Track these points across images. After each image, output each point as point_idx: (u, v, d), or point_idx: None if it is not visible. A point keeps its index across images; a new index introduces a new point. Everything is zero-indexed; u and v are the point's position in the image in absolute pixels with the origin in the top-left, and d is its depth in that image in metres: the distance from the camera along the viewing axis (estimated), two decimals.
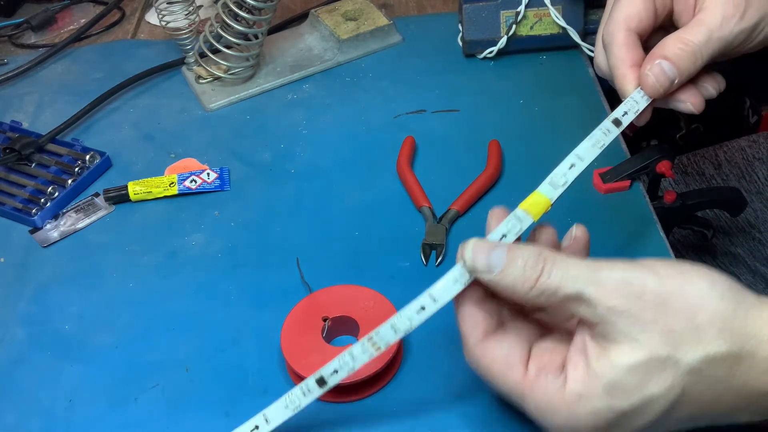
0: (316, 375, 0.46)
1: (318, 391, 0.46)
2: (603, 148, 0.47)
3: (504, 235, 0.44)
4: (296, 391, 0.46)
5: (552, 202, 0.46)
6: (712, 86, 0.49)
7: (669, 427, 0.40)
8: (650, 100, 0.48)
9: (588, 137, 0.47)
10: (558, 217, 0.62)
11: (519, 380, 0.41)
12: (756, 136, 0.94)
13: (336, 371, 0.45)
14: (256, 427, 0.47)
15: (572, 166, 0.46)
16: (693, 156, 0.93)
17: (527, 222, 0.44)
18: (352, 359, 0.46)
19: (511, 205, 0.64)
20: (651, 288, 0.38)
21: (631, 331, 0.38)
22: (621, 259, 0.40)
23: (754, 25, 0.46)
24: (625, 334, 0.38)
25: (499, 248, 0.41)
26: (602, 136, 0.47)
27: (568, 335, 0.43)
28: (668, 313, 0.38)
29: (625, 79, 0.48)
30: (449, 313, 0.56)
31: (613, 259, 0.40)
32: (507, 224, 0.44)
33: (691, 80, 0.48)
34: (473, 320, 0.43)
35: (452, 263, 0.59)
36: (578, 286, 0.39)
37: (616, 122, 0.48)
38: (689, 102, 0.48)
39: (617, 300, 0.38)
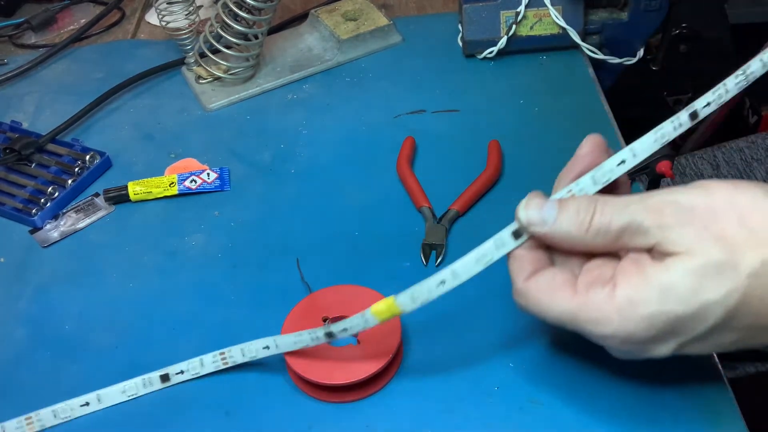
0: (162, 370, 0.47)
1: (158, 385, 0.47)
2: (488, 264, 0.43)
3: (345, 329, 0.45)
4: (137, 380, 0.47)
5: (405, 312, 0.44)
6: None
7: (728, 339, 0.39)
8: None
9: (475, 249, 0.43)
10: None
11: (568, 300, 0.40)
12: (754, 136, 0.94)
13: (182, 371, 0.47)
14: (87, 404, 0.49)
15: (442, 282, 0.43)
16: (691, 157, 0.93)
17: (372, 323, 0.45)
18: (201, 366, 0.47)
19: (511, 205, 0.64)
20: (701, 202, 0.38)
21: (684, 241, 0.38)
22: (674, 186, 0.40)
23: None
24: (678, 244, 0.38)
25: (550, 201, 0.42)
26: (492, 249, 0.43)
27: (617, 256, 0.42)
28: (721, 221, 0.37)
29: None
30: (450, 315, 0.56)
31: (666, 188, 0.40)
32: (351, 320, 0.45)
33: None
34: (520, 261, 0.43)
35: (452, 263, 0.60)
36: (629, 214, 0.39)
37: (516, 234, 0.43)
38: None
39: (668, 218, 0.38)
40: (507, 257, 0.44)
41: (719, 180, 0.40)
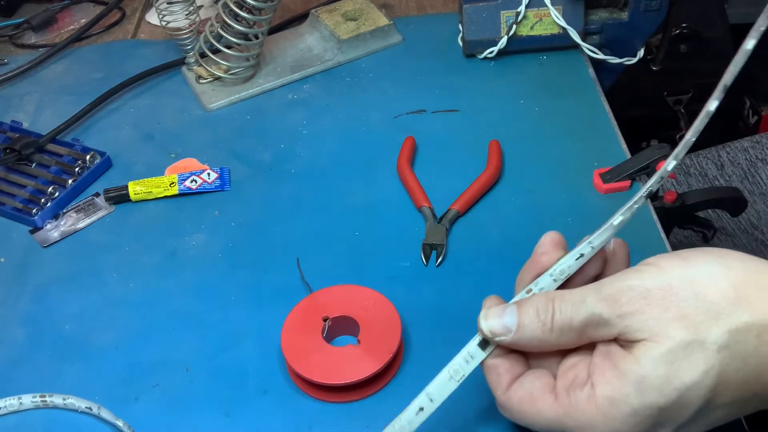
0: None
1: None
2: (462, 380, 0.43)
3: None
4: None
5: None
6: None
7: (720, 415, 0.38)
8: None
9: (446, 367, 0.43)
10: (558, 217, 0.63)
11: (551, 407, 0.40)
12: (759, 136, 0.94)
13: None
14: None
15: (421, 409, 0.43)
16: (695, 156, 0.93)
17: None
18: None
19: (511, 205, 0.64)
20: (654, 284, 0.38)
21: (646, 328, 0.37)
22: (626, 269, 0.40)
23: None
24: (641, 331, 0.38)
25: (509, 308, 0.42)
26: (463, 364, 0.43)
27: (589, 348, 0.42)
28: (678, 301, 0.37)
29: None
30: (451, 315, 0.56)
31: (619, 272, 0.40)
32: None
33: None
34: (496, 372, 0.43)
35: (452, 263, 0.60)
36: (588, 308, 0.39)
37: (483, 344, 0.43)
38: None
39: (626, 307, 0.38)
40: (481, 367, 0.43)
41: (668, 256, 0.40)
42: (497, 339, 0.42)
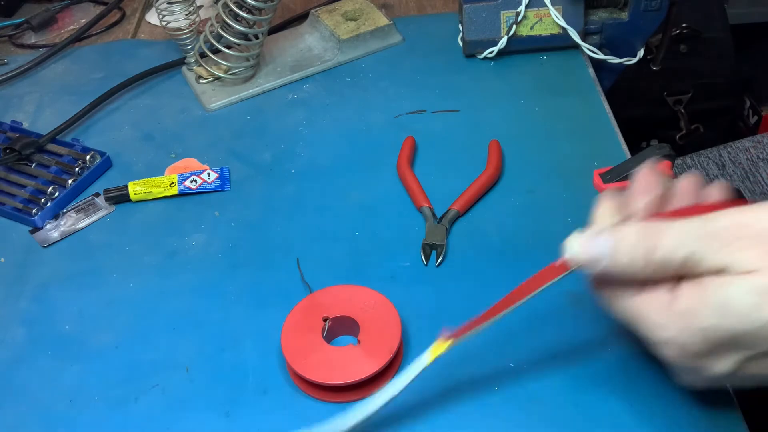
0: None
1: None
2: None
3: None
4: None
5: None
6: None
7: None
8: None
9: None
10: (558, 217, 0.63)
11: (632, 297, 0.40)
12: (761, 136, 0.94)
13: None
14: None
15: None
16: (697, 156, 0.93)
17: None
18: None
19: (511, 205, 0.64)
20: None
21: (749, 263, 0.36)
22: (740, 206, 0.38)
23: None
24: (743, 267, 0.36)
25: (603, 233, 0.39)
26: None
27: None
28: None
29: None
30: (450, 315, 0.56)
31: (732, 207, 0.38)
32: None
33: None
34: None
35: (452, 263, 0.60)
36: (691, 244, 0.37)
37: None
38: None
39: (734, 244, 0.36)
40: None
41: None
42: (591, 267, 0.40)
